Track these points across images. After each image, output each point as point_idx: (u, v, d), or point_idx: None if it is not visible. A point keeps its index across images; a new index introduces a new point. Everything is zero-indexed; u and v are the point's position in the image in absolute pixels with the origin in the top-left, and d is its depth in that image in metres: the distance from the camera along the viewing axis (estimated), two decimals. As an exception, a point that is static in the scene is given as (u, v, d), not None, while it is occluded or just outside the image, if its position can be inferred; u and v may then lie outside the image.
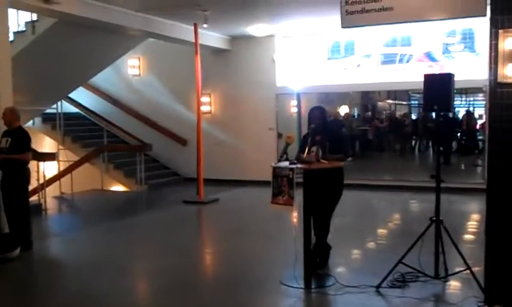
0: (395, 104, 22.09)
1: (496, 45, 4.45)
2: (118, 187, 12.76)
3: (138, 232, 8.23)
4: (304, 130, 13.26)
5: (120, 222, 9.00)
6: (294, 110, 14.16)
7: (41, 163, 9.76)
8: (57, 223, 9.58)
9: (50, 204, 10.51)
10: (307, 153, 5.35)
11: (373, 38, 11.98)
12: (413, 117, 20.09)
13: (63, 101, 13.14)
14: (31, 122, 13.11)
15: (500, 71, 4.43)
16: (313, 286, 5.23)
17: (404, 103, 25.22)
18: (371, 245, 7.20)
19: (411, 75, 11.57)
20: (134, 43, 11.54)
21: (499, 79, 4.43)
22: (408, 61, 11.95)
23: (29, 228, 6.77)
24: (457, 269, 5.10)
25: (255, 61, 12.75)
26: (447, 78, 4.91)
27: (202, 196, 10.30)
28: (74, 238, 8.00)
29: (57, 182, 12.62)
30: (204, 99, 13.15)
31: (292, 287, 5.18)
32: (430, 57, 11.90)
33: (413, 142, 19.42)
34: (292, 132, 5.72)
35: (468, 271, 4.86)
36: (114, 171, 12.55)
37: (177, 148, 13.47)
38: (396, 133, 19.37)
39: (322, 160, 5.28)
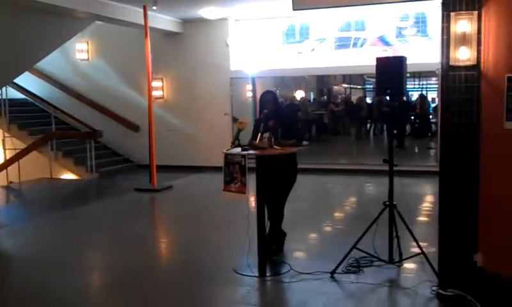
0: (351, 88, 22.29)
1: (448, 28, 4.41)
2: (68, 176, 12.33)
3: (87, 222, 7.95)
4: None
5: (68, 212, 8.65)
6: (249, 94, 14.02)
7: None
8: (2, 214, 9.13)
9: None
10: (259, 139, 5.23)
11: (327, 22, 11.92)
12: (369, 101, 20.33)
13: (8, 87, 12.56)
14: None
15: (452, 54, 4.40)
16: (267, 274, 5.13)
17: (359, 87, 25.53)
18: (327, 230, 7.15)
19: (365, 59, 11.57)
20: (81, 26, 11.08)
21: (451, 62, 4.40)
22: (361, 45, 11.95)
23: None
24: (412, 253, 5.09)
25: (208, 44, 12.48)
26: (399, 61, 4.85)
27: (155, 183, 10.05)
28: (19, 229, 7.64)
29: (4, 172, 12.15)
30: (156, 83, 12.81)
31: (246, 275, 5.08)
32: (384, 41, 11.94)
33: (368, 126, 19.66)
34: (246, 118, 5.54)
35: (422, 255, 4.84)
36: (64, 159, 12.11)
37: (129, 134, 13.13)
38: (352, 117, 19.54)
39: (275, 146, 5.16)
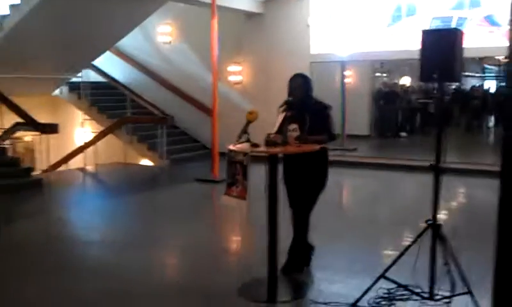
0: (466, 76, 20.17)
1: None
2: (143, 161, 12.12)
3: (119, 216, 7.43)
4: (351, 104, 12.39)
5: (105, 202, 8.28)
6: (338, 81, 12.93)
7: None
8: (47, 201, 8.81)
9: (57, 178, 9.97)
10: (277, 133, 4.30)
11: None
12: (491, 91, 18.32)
13: (91, 70, 12.57)
14: (58, 91, 12.73)
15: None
16: (279, 299, 4.18)
17: (476, 74, 23.07)
18: (379, 245, 5.95)
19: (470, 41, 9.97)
20: (153, 7, 10.63)
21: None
22: (465, 26, 10.34)
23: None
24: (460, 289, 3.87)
25: (287, 26, 11.56)
26: (452, 36, 3.62)
27: (217, 174, 9.36)
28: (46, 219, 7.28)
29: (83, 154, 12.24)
30: (235, 68, 12.19)
31: (253, 301, 4.16)
32: (491, 21, 10.23)
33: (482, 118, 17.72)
34: (255, 108, 4.51)
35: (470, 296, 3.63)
36: (138, 144, 11.87)
37: (207, 120, 12.57)
38: (462, 107, 17.62)
39: (294, 142, 4.20)
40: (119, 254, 5.48)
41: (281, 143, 4.16)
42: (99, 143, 12.01)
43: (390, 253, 5.08)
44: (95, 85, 12.73)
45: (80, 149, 12.27)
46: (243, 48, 12.02)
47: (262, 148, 4.01)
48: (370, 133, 15.54)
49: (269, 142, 4.16)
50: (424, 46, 3.61)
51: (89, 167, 11.79)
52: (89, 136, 12.44)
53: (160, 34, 13.25)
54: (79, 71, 12.09)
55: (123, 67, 13.61)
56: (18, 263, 5.16)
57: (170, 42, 13.26)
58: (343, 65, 12.61)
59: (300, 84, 4.57)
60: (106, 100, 12.79)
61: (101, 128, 12.24)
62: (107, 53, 12.94)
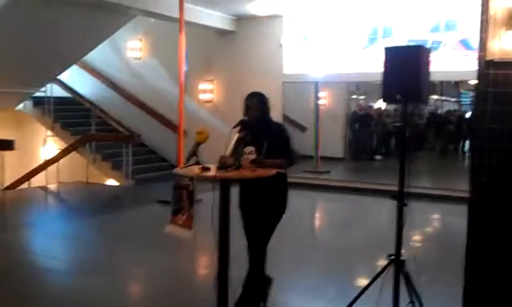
0: (441, 100, 20.15)
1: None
2: (108, 180, 11.64)
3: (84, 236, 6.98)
4: (325, 126, 12.09)
5: (65, 224, 7.75)
6: (310, 102, 12.66)
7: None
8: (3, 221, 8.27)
9: (16, 196, 9.46)
10: (231, 155, 3.94)
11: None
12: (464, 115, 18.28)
13: (55, 85, 12.11)
14: (22, 105, 12.23)
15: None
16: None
17: (452, 99, 23.08)
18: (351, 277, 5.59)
19: (444, 64, 9.83)
20: (121, 21, 10.28)
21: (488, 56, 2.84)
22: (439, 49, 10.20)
23: None
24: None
25: (260, 44, 11.29)
26: (417, 53, 3.30)
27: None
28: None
29: (44, 172, 11.71)
30: (206, 86, 11.85)
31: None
32: (466, 45, 10.10)
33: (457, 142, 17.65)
34: (204, 127, 4.14)
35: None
36: (102, 162, 11.40)
37: (176, 139, 12.18)
38: (437, 131, 17.50)
39: (249, 165, 3.84)
40: (79, 281, 5.12)
41: (234, 166, 3.77)
42: (62, 161, 11.51)
43: (354, 287, 4.71)
44: (59, 100, 12.25)
45: (43, 167, 11.73)
46: (214, 66, 11.72)
47: (211, 172, 3.61)
48: (345, 156, 15.27)
49: (221, 166, 3.78)
50: (386, 64, 3.29)
51: (51, 186, 11.26)
52: (53, 153, 11.93)
53: (131, 49, 12.87)
54: (43, 85, 11.62)
55: (91, 82, 13.18)
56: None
57: (140, 58, 12.87)
58: (317, 86, 12.35)
59: (256, 104, 4.21)
60: (70, 115, 12.32)
61: (65, 145, 11.73)
62: (75, 67, 12.55)
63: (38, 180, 11.89)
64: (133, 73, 12.87)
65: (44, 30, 9.26)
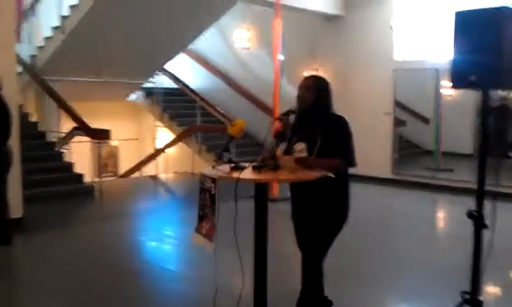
0: None
1: None
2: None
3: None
4: (447, 119, 10.81)
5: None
6: (427, 91, 11.39)
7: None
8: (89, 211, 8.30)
9: (107, 187, 9.58)
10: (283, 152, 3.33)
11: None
12: None
13: (164, 76, 12.20)
14: (135, 96, 12.52)
15: None
16: None
17: None
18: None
19: None
20: (224, 7, 9.95)
21: None
22: None
23: (3, 220, 5.64)
24: None
25: (368, 28, 10.34)
26: (499, 19, 2.39)
27: (276, 192, 8.37)
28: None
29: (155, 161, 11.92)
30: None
31: None
32: None
33: None
34: (239, 119, 3.51)
35: None
36: (207, 154, 11.22)
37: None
38: None
39: (293, 165, 3.18)
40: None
41: (270, 167, 3.14)
42: (171, 151, 11.61)
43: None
44: (168, 91, 12.34)
45: (153, 157, 11.91)
46: (320, 54, 10.99)
47: (237, 173, 3.00)
48: (473, 152, 13.65)
49: (256, 166, 3.17)
50: (457, 36, 2.43)
51: (161, 175, 11.47)
52: (162, 143, 12.08)
53: (238, 39, 12.55)
54: (151, 76, 11.73)
55: (199, 73, 13.11)
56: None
57: (248, 48, 12.51)
58: (438, 73, 11.06)
59: (310, 89, 3.48)
60: (178, 106, 12.34)
61: (173, 136, 11.81)
62: (185, 57, 12.59)
63: (149, 169, 12.14)
64: (241, 63, 12.55)
65: (149, 19, 9.22)
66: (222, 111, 11.42)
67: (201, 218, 3.13)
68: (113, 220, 7.36)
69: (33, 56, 10.12)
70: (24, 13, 10.92)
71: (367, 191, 9.68)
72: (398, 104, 10.23)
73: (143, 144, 13.46)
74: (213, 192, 2.97)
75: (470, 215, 2.58)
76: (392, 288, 4.85)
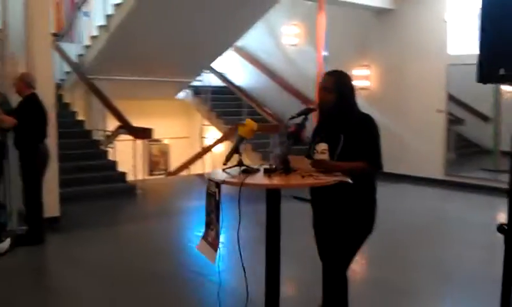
0: None
1: None
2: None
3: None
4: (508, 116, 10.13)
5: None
6: (488, 86, 10.70)
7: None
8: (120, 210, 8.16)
9: (152, 185, 9.54)
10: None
11: None
12: None
13: (212, 74, 12.13)
14: (184, 94, 12.53)
15: None
16: None
17: None
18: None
19: None
20: (266, 6, 9.73)
21: None
22: None
23: (37, 219, 5.64)
24: None
25: (422, 22, 9.82)
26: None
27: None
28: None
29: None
30: (361, 72, 10.76)
31: None
32: None
33: None
34: (249, 119, 3.26)
35: None
36: (253, 153, 11.04)
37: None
38: None
39: (308, 168, 2.92)
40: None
41: (281, 170, 2.89)
42: (219, 149, 11.50)
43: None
44: (216, 89, 12.26)
45: (200, 155, 11.86)
46: (371, 50, 10.58)
47: (241, 177, 2.77)
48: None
49: (268, 169, 2.93)
50: (484, 24, 2.10)
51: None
52: (210, 142, 12.01)
53: (287, 35, 12.30)
54: (199, 74, 11.68)
55: (248, 71, 12.97)
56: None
57: (296, 44, 12.23)
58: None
59: (332, 86, 3.20)
60: (225, 105, 12.23)
61: (220, 134, 11.72)
62: (233, 56, 12.48)
63: (197, 167, 12.10)
64: (288, 60, 12.29)
65: (192, 16, 9.12)
66: (268, 110, 11.19)
67: (207, 225, 2.92)
68: (154, 219, 7.29)
69: (80, 55, 10.28)
70: (76, 13, 11.14)
71: (417, 193, 9.22)
72: (455, 101, 9.66)
73: (193, 142, 13.45)
74: (217, 198, 2.75)
75: (500, 229, 2.23)
76: (444, 302, 4.48)
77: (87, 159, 8.84)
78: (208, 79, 12.03)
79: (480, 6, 2.15)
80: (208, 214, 2.89)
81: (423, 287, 4.67)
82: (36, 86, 5.66)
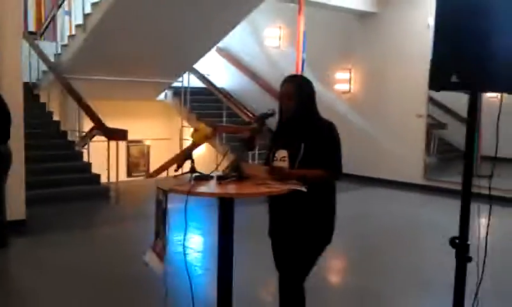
0: None
1: None
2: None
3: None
4: (490, 120, 10.07)
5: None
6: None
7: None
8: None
9: (127, 187, 9.35)
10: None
11: None
12: None
13: (192, 75, 11.96)
14: (163, 95, 12.35)
15: None
16: None
17: None
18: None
19: None
20: (250, 5, 9.58)
21: None
22: None
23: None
24: None
25: (404, 26, 9.76)
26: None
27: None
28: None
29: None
30: (342, 75, 10.68)
31: None
32: None
33: None
34: (202, 124, 3.14)
35: None
36: (232, 155, 10.87)
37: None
38: None
39: (263, 176, 2.80)
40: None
41: (235, 177, 2.77)
42: (197, 152, 11.31)
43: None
44: (195, 90, 12.08)
45: (178, 157, 11.67)
46: (353, 53, 10.50)
47: (188, 185, 2.63)
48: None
49: (221, 176, 2.80)
50: (437, 27, 1.98)
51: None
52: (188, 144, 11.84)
53: (269, 37, 12.18)
54: (180, 75, 11.51)
55: (230, 72, 12.85)
56: None
57: (278, 46, 12.12)
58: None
59: (293, 91, 3.07)
60: (205, 106, 12.08)
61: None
62: (214, 56, 12.35)
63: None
64: (271, 62, 12.17)
65: (174, 14, 8.94)
66: (249, 112, 11.05)
67: (156, 235, 2.78)
68: (127, 222, 7.13)
69: (58, 54, 10.08)
70: (56, 11, 10.93)
71: (395, 198, 9.12)
72: (437, 105, 9.60)
73: (174, 143, 13.26)
74: (164, 206, 2.61)
75: (452, 243, 2.11)
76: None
77: (61, 160, 8.65)
78: (188, 80, 11.84)
79: (434, 15, 2.03)
80: (157, 223, 2.75)
81: (398, 294, 4.57)
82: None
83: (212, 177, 2.85)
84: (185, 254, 2.67)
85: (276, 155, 3.06)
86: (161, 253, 2.65)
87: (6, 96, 5.74)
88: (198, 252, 5.87)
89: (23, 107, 6.19)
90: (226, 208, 2.76)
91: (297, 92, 3.06)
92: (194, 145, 2.95)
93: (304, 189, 2.69)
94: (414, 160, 9.61)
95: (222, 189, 2.66)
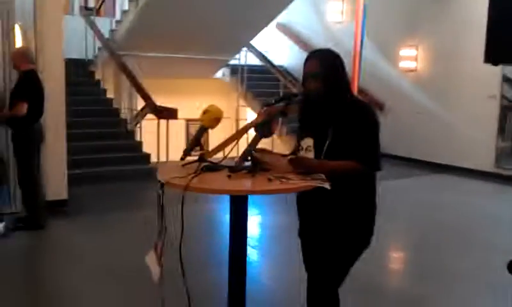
0: None
1: None
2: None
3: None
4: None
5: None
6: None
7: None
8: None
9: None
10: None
11: None
12: None
13: (250, 53, 11.57)
14: (221, 73, 12.05)
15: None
16: None
17: None
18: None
19: None
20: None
21: None
22: None
23: (33, 202, 5.31)
24: None
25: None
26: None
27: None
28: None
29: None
30: (408, 52, 9.96)
31: None
32: None
33: None
34: (213, 104, 2.71)
35: None
36: (287, 137, 10.46)
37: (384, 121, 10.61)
38: None
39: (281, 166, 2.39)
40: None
41: (247, 170, 2.36)
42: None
43: None
44: (253, 68, 11.70)
45: (234, 138, 11.36)
46: (419, 29, 9.73)
47: (191, 178, 2.24)
48: None
49: (233, 168, 2.40)
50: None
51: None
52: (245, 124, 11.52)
53: (331, 12, 11.57)
54: (237, 52, 11.14)
55: (290, 49, 12.35)
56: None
57: (342, 22, 11.48)
58: None
59: (318, 69, 2.58)
60: (262, 85, 11.67)
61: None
62: (274, 33, 11.92)
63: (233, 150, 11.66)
64: (333, 38, 11.55)
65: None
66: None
67: (159, 233, 2.43)
68: (170, 205, 6.86)
69: (113, 31, 9.98)
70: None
71: (460, 186, 8.37)
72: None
73: (231, 124, 13.01)
74: (161, 203, 2.25)
75: (510, 267, 1.62)
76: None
77: (112, 138, 8.55)
78: (245, 58, 11.47)
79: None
80: (158, 220, 2.40)
81: (459, 303, 3.99)
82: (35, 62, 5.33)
83: (224, 167, 2.45)
84: (180, 258, 2.28)
85: (302, 144, 2.63)
86: (161, 254, 2.29)
87: (46, 74, 5.62)
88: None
89: (65, 84, 6.00)
90: (238, 205, 2.36)
91: (323, 70, 2.57)
92: (204, 129, 2.54)
93: (327, 186, 2.23)
94: (484, 145, 8.80)
95: (229, 184, 2.25)
